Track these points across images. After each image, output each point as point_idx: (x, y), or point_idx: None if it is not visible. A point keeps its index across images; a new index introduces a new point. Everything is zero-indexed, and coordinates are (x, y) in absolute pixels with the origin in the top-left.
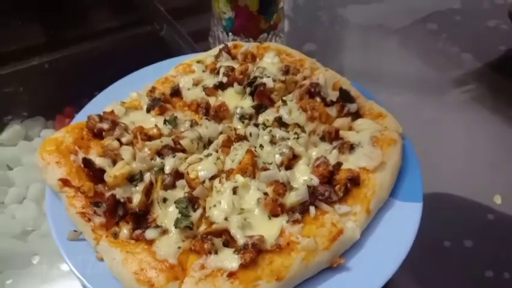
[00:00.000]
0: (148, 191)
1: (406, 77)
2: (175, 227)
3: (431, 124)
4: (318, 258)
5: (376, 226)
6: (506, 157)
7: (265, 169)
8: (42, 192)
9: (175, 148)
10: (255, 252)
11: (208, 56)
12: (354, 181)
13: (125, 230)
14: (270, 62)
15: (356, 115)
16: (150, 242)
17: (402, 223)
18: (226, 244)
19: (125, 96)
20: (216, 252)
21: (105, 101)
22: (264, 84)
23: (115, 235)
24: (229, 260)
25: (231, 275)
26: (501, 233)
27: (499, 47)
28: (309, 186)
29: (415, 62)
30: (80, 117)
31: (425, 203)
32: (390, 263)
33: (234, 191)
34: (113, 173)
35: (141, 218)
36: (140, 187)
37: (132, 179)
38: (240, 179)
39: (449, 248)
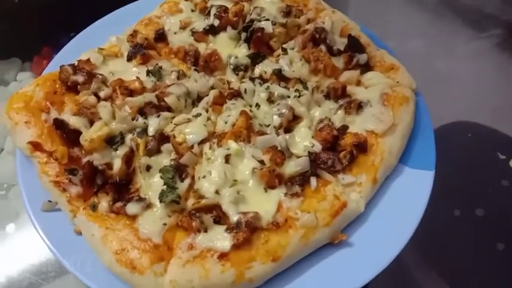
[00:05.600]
0: (129, 159)
1: (416, 21)
2: (160, 202)
3: (443, 76)
4: (318, 235)
5: (382, 196)
6: None
7: (262, 133)
8: None
9: (160, 106)
10: (249, 231)
11: None
12: (361, 147)
13: (104, 203)
14: (269, 0)
15: (366, 67)
16: (133, 217)
17: (412, 194)
18: (217, 221)
19: (104, 41)
20: (206, 231)
21: (81, 46)
22: (261, 29)
23: (94, 207)
24: (221, 239)
25: (222, 256)
26: None
27: None
28: (310, 153)
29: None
30: (53, 67)
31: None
32: (397, 239)
33: (226, 159)
34: (89, 135)
35: (122, 188)
36: (121, 151)
37: (112, 141)
38: (233, 145)
39: (460, 218)
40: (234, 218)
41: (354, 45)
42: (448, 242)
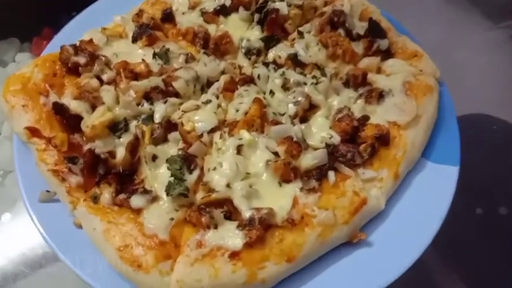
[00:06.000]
0: (134, 147)
1: (437, 7)
2: (167, 195)
3: (464, 66)
4: (336, 234)
5: (404, 192)
6: None
7: (276, 123)
8: None
9: (167, 91)
10: (262, 229)
11: None
12: (383, 140)
13: (106, 194)
14: None
15: (387, 54)
16: (137, 211)
17: (435, 191)
18: (228, 216)
19: (108, 21)
20: (216, 227)
21: (83, 26)
22: (276, 11)
23: (95, 199)
24: (232, 236)
25: (234, 255)
26: None
27: None
28: (328, 145)
29: None
30: (53, 47)
31: None
32: (420, 239)
33: (238, 150)
34: (91, 121)
35: (126, 179)
36: (125, 139)
37: (115, 128)
38: (245, 135)
39: (482, 216)
40: (246, 214)
41: (375, 30)
42: (468, 243)
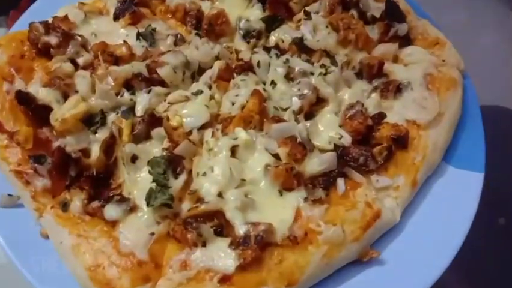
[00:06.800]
0: (109, 146)
1: None
2: (148, 204)
3: (490, 54)
4: (344, 253)
5: (421, 202)
6: None
7: (278, 120)
8: None
9: (151, 79)
10: (259, 249)
11: None
12: (401, 142)
13: (77, 201)
14: None
15: (405, 40)
16: (112, 222)
17: (456, 201)
18: (218, 232)
19: None
20: (204, 245)
21: (57, 2)
22: None
23: (64, 206)
24: (223, 257)
25: (225, 279)
26: None
27: None
28: (337, 147)
29: None
30: (22, 24)
31: None
32: (439, 258)
33: (233, 151)
34: (61, 113)
35: (101, 182)
36: (101, 135)
37: (90, 121)
38: (241, 134)
39: (505, 227)
40: (240, 230)
41: (393, 12)
42: (492, 256)
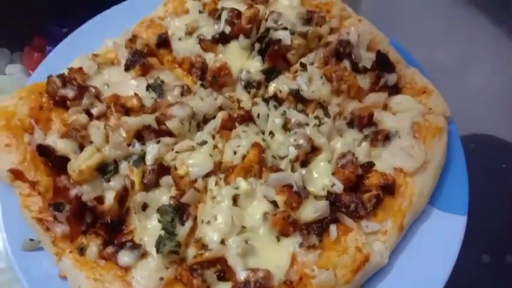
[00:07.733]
0: (123, 197)
1: (449, 27)
2: (157, 251)
3: (478, 95)
4: None
5: (407, 243)
6: None
7: (276, 169)
8: None
9: (160, 130)
10: None
11: None
12: (388, 189)
13: (94, 247)
14: (287, 4)
15: (394, 88)
16: (125, 268)
17: (440, 242)
18: (221, 276)
19: (98, 44)
20: None
21: (71, 50)
22: (279, 41)
23: (82, 250)
24: None
25: None
26: None
27: None
28: (330, 194)
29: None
30: (41, 75)
31: None
32: None
33: (234, 199)
34: (78, 165)
35: (115, 228)
36: (115, 182)
37: (104, 170)
38: (242, 184)
39: (488, 264)
40: (241, 275)
41: (383, 64)
42: None
